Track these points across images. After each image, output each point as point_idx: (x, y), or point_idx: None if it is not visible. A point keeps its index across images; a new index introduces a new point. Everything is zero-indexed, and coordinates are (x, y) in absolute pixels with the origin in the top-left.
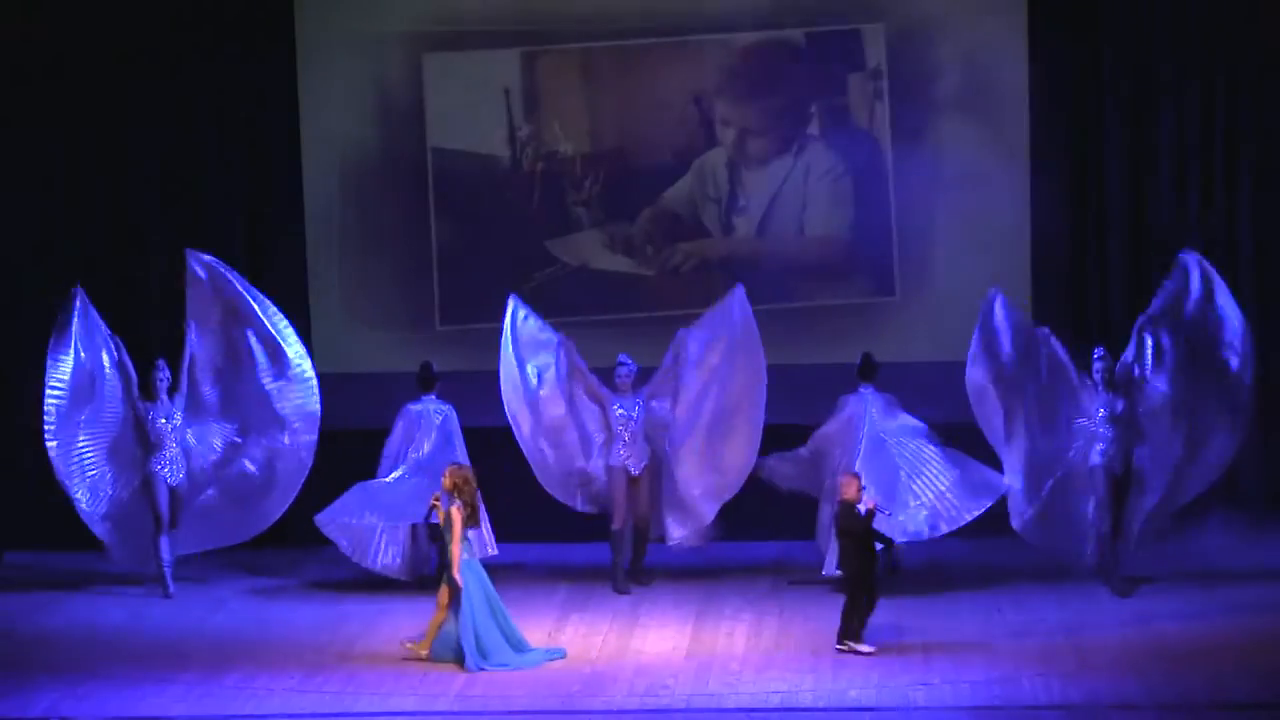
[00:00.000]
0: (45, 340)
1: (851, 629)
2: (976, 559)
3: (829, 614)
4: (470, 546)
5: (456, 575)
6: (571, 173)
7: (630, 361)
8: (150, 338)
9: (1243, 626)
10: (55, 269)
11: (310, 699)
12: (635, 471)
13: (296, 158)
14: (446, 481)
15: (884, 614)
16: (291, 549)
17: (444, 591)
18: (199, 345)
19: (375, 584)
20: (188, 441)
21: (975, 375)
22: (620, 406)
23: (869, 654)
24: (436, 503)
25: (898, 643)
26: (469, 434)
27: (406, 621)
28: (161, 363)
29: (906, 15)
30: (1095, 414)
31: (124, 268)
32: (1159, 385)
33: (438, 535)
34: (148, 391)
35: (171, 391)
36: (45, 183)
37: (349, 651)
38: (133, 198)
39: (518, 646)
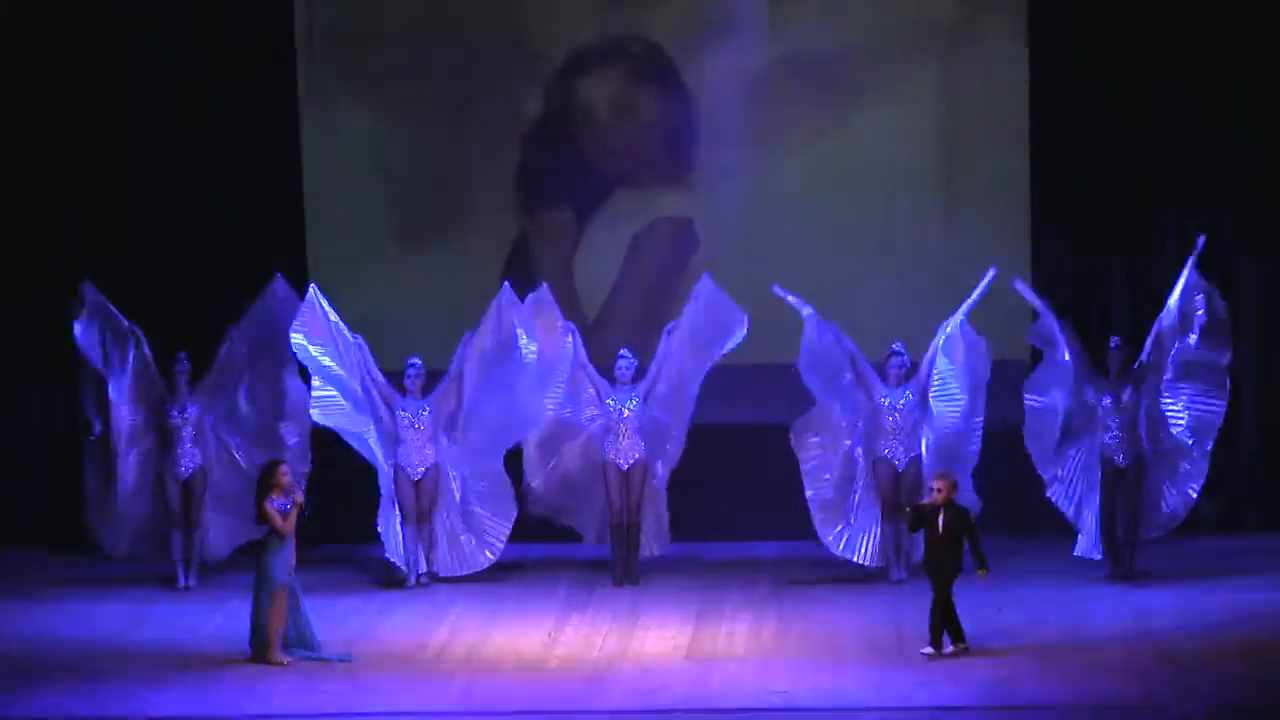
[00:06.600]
0: (44, 339)
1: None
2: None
3: (829, 614)
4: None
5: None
6: None
7: (630, 355)
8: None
9: (1243, 627)
10: (52, 263)
11: (310, 699)
12: (625, 466)
13: (296, 137)
14: (288, 480)
15: (884, 613)
16: None
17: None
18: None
19: (375, 584)
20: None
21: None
22: (613, 399)
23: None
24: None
25: (898, 642)
26: None
27: (406, 621)
28: (182, 355)
29: None
30: (1104, 403)
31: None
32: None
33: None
34: (168, 384)
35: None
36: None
37: (350, 651)
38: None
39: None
